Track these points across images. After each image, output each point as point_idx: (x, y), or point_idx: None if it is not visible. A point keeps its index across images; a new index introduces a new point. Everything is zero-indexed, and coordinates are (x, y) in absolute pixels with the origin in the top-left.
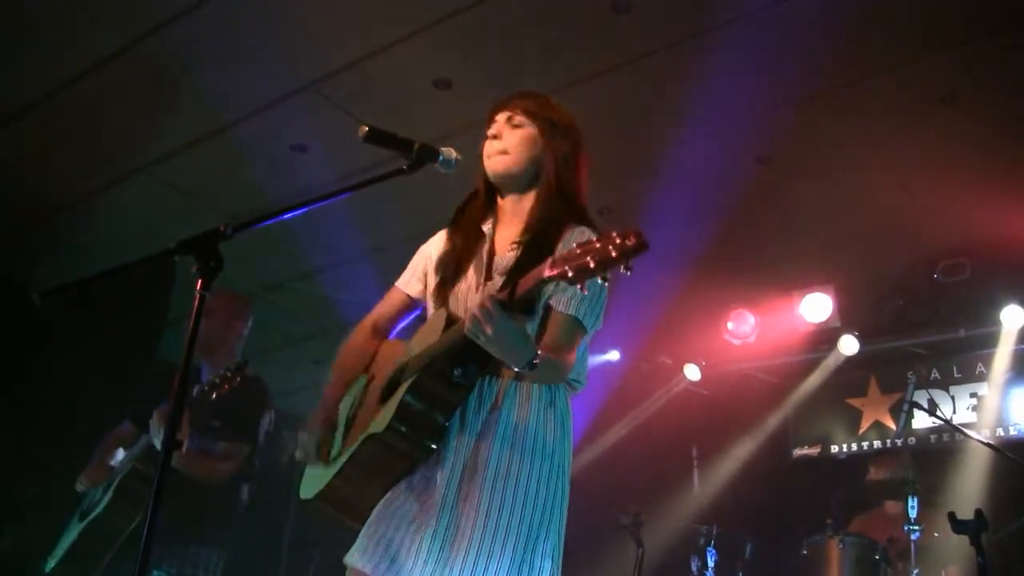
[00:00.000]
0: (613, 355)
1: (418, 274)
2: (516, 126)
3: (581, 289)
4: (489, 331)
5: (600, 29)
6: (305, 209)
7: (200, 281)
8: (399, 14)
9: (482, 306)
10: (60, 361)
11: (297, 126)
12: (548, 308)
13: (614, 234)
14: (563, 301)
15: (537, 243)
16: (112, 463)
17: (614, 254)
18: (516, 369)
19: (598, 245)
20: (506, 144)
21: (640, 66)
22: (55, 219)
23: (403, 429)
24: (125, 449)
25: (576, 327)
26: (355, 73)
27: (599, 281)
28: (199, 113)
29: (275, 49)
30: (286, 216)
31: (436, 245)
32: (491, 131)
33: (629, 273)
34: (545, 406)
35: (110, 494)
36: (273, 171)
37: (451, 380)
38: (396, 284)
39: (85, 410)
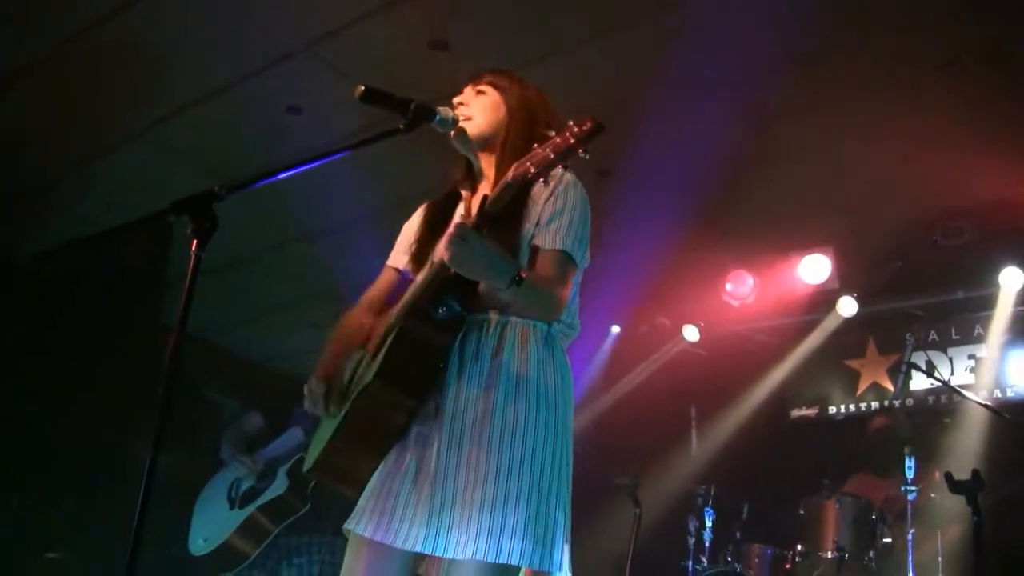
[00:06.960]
0: (614, 329)
1: (403, 247)
2: (480, 93)
3: (544, 181)
4: (463, 251)
5: None
6: (300, 169)
7: (195, 242)
8: None
9: (452, 231)
10: (61, 332)
11: (293, 88)
12: (535, 249)
13: (571, 122)
14: (547, 238)
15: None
16: (268, 455)
17: (572, 140)
18: (501, 289)
19: (557, 139)
20: (471, 110)
21: (640, 27)
22: (49, 187)
23: (394, 376)
24: (260, 439)
25: (566, 260)
26: (351, 34)
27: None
28: (194, 76)
29: (270, 10)
30: (280, 176)
31: (418, 217)
32: (457, 99)
33: (587, 156)
34: (544, 358)
35: (285, 479)
36: (269, 133)
37: (435, 319)
38: (387, 263)
39: (89, 380)
